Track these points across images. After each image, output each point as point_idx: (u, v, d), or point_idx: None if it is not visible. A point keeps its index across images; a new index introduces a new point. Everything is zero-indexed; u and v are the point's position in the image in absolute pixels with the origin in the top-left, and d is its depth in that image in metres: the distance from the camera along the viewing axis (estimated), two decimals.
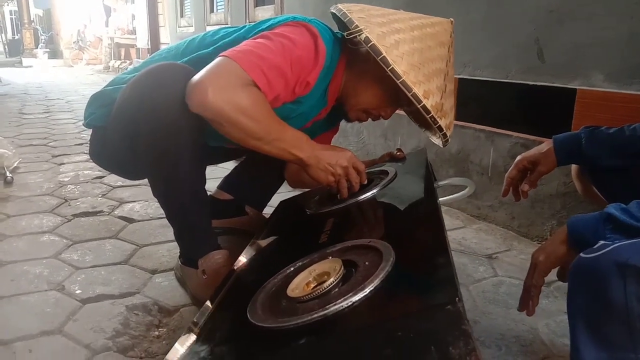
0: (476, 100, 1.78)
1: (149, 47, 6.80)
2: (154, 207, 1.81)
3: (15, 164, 2.26)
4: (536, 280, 0.87)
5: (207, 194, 1.16)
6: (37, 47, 13.18)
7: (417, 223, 0.92)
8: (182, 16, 5.86)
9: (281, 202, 1.40)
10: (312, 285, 0.72)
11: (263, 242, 1.09)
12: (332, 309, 0.62)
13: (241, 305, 0.76)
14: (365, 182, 1.13)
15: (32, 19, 14.32)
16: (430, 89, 1.06)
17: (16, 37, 14.43)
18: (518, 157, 1.13)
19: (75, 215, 1.72)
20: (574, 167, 1.21)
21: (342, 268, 0.70)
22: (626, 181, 1.02)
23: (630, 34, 1.31)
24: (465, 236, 1.62)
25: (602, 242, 0.73)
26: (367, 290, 0.64)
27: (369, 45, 1.01)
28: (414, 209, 1.00)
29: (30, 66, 10.91)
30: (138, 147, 1.08)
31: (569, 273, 0.75)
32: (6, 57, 14.17)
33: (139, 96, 1.05)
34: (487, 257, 1.47)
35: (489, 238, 1.61)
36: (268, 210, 1.61)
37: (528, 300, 0.88)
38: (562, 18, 1.46)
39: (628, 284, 0.66)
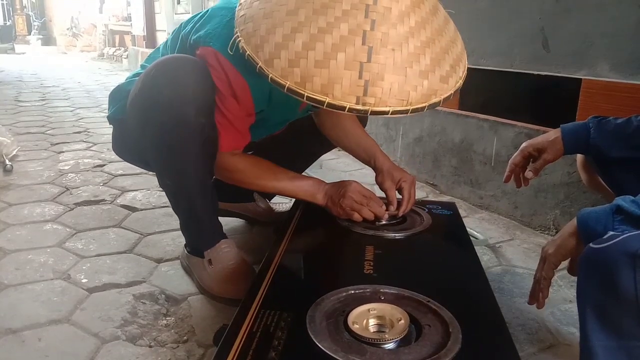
0: (480, 90, 1.78)
1: (145, 34, 6.74)
2: (156, 196, 1.80)
3: (14, 152, 2.24)
4: (546, 272, 0.87)
5: (214, 186, 1.15)
6: (29, 34, 13.02)
7: (465, 284, 0.94)
8: (178, 3, 5.80)
9: None
10: (373, 327, 0.76)
11: (293, 243, 1.08)
12: None
13: (290, 313, 0.78)
14: (383, 208, 1.16)
15: (24, 5, 14.12)
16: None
17: (8, 23, 14.24)
18: (524, 144, 1.13)
19: (77, 204, 1.71)
20: (579, 157, 1.22)
21: (409, 325, 0.75)
22: (633, 172, 1.03)
23: (637, 24, 1.30)
24: (468, 225, 1.62)
25: (611, 232, 0.74)
26: None
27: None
28: (457, 265, 1.03)
29: (23, 53, 10.78)
30: (147, 138, 1.08)
31: (578, 263, 0.76)
32: None
33: (149, 88, 1.04)
34: (490, 246, 1.47)
35: (492, 227, 1.62)
36: (275, 200, 1.62)
37: (538, 293, 0.88)
38: (568, 7, 1.46)
39: (638, 274, 0.67)
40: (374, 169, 1.27)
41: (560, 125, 1.08)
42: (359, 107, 0.76)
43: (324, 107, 0.76)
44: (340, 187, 1.15)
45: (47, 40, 12.80)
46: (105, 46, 9.60)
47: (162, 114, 1.01)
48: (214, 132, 1.06)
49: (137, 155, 1.29)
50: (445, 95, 0.82)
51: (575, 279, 0.90)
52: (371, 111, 0.77)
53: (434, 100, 0.81)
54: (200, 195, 1.12)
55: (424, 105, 0.80)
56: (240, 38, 0.85)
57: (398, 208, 1.18)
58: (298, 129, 1.36)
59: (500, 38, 1.68)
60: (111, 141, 1.34)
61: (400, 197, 1.20)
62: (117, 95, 1.25)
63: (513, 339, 0.75)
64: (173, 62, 1.04)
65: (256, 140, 1.21)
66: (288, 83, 0.77)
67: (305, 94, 0.76)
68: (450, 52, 0.86)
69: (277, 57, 0.78)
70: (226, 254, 1.16)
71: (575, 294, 1.19)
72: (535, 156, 1.11)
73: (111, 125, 1.31)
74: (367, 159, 1.29)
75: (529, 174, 1.11)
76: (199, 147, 1.05)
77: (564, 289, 1.22)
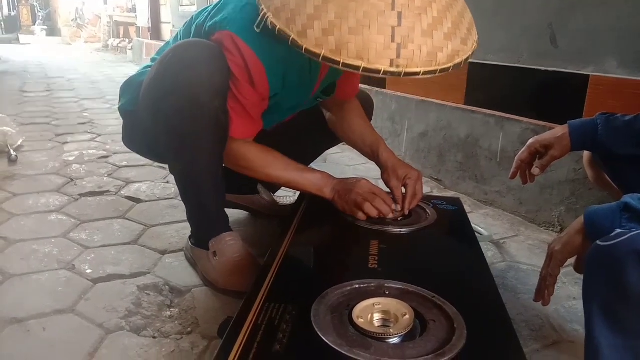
0: (487, 85, 1.77)
1: (149, 25, 6.72)
2: (161, 188, 1.81)
3: (19, 143, 2.25)
4: (552, 270, 0.87)
5: (223, 177, 1.16)
6: (34, 24, 13.03)
7: (470, 280, 0.94)
8: None
9: None
10: (378, 322, 0.76)
11: (298, 237, 1.08)
12: None
13: (294, 306, 0.78)
14: (392, 205, 1.15)
15: None
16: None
17: (13, 14, 14.24)
18: (531, 140, 1.13)
19: (81, 195, 1.72)
20: (585, 154, 1.21)
21: (414, 320, 0.74)
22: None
23: None
24: (472, 221, 1.61)
25: (619, 230, 0.73)
26: (447, 357, 0.67)
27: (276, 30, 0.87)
28: (462, 261, 1.03)
29: (28, 43, 10.78)
30: (160, 123, 1.08)
31: (585, 260, 0.76)
32: (2, 34, 13.98)
33: (163, 74, 1.04)
34: (495, 242, 1.47)
35: (496, 223, 1.61)
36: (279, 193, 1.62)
37: (544, 290, 0.88)
38: (576, 3, 1.44)
39: None
40: (379, 165, 1.27)
41: (568, 122, 1.08)
42: (393, 69, 0.81)
43: (360, 72, 0.81)
44: (349, 183, 1.15)
45: (52, 31, 12.80)
46: (110, 37, 9.58)
47: (177, 96, 1.02)
48: (227, 119, 1.06)
49: (147, 146, 1.30)
50: (466, 56, 0.87)
51: (580, 276, 0.89)
52: (404, 73, 0.81)
53: (457, 60, 0.86)
54: (209, 183, 1.12)
55: (449, 65, 0.85)
56: (268, 14, 0.88)
57: (402, 205, 1.18)
58: (305, 124, 1.36)
59: (507, 33, 1.67)
60: (121, 133, 1.34)
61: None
62: (128, 88, 1.26)
63: (517, 335, 0.75)
64: (189, 47, 1.04)
65: (267, 127, 1.21)
66: (323, 52, 0.81)
67: (342, 61, 0.81)
68: (465, 17, 0.90)
69: (310, 28, 0.82)
70: (231, 247, 1.16)
71: (580, 291, 1.18)
72: (542, 152, 1.10)
73: (121, 118, 1.31)
74: (372, 155, 1.29)
75: (535, 170, 1.11)
76: (211, 132, 1.05)
77: (568, 286, 1.22)
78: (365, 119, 1.36)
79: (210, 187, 1.13)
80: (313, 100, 1.27)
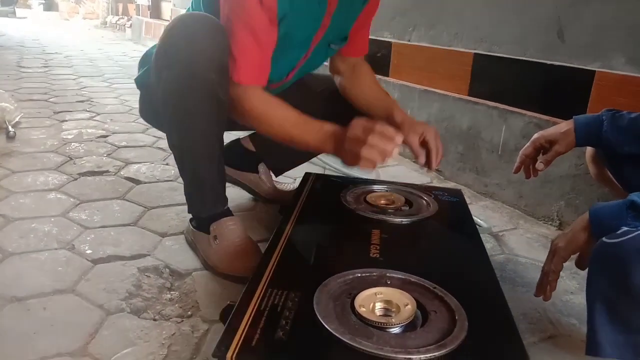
0: (491, 77, 1.76)
1: (149, 4, 6.64)
2: (160, 170, 1.80)
3: (17, 119, 2.23)
4: (555, 265, 0.88)
5: (222, 155, 1.15)
6: None
7: (471, 272, 0.95)
8: None
9: (310, 174, 1.38)
10: (380, 311, 0.76)
11: (299, 223, 1.08)
12: (415, 357, 0.66)
13: (297, 293, 0.79)
14: (395, 137, 0.95)
15: None
16: None
17: None
18: (536, 135, 1.12)
19: (80, 174, 1.71)
20: (588, 149, 1.21)
21: (416, 311, 0.75)
22: None
23: None
24: (472, 213, 1.62)
25: (625, 228, 0.74)
26: (448, 348, 0.68)
27: None
28: (463, 253, 1.04)
29: (25, 17, 10.63)
30: (160, 94, 1.09)
31: (590, 256, 0.76)
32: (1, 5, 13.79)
33: (166, 45, 1.05)
34: (493, 234, 1.48)
35: (496, 216, 1.62)
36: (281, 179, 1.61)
37: (546, 286, 0.89)
38: None
39: None
40: (394, 125, 1.20)
41: (573, 117, 1.08)
42: None
43: None
44: (345, 130, 1.00)
45: (49, 5, 12.60)
46: (109, 14, 9.47)
47: (176, 68, 1.03)
48: (225, 94, 1.06)
49: (160, 118, 1.29)
50: None
51: (577, 270, 0.90)
52: None
53: None
54: (206, 158, 1.13)
55: None
56: None
57: (429, 161, 1.15)
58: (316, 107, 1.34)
59: (514, 26, 1.66)
60: (138, 107, 1.37)
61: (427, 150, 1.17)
62: (145, 59, 1.27)
63: None
64: (192, 20, 1.04)
65: (278, 80, 1.20)
66: None
67: None
68: None
69: None
70: (232, 231, 1.16)
71: (577, 286, 1.20)
72: (547, 147, 1.11)
73: (138, 90, 1.32)
74: (387, 118, 1.24)
75: (539, 165, 1.11)
76: (207, 104, 1.05)
77: (565, 280, 1.23)
78: (377, 82, 1.35)
79: (206, 161, 1.13)
80: (326, 48, 1.23)
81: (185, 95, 1.05)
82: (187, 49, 1.01)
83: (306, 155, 1.46)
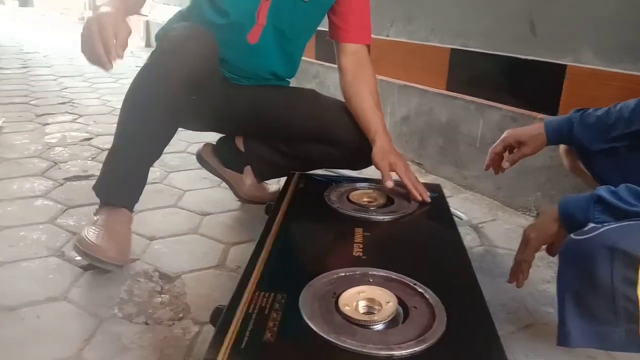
0: (467, 71, 1.80)
1: None
2: None
3: None
4: (527, 255, 0.92)
5: (155, 149, 1.22)
6: None
7: (449, 267, 0.98)
8: None
9: (293, 173, 1.39)
10: (363, 309, 0.79)
11: (284, 224, 1.10)
12: (397, 353, 0.69)
13: (283, 296, 0.82)
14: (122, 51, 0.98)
15: None
16: None
17: None
18: (506, 134, 1.17)
19: (66, 179, 1.72)
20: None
21: (397, 307, 0.78)
22: (613, 162, 1.07)
23: (620, 10, 1.33)
24: (452, 206, 1.66)
25: (592, 224, 0.79)
26: (428, 343, 0.71)
27: None
28: (441, 248, 1.07)
29: None
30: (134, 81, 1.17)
31: (560, 252, 0.81)
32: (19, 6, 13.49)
33: (158, 49, 1.16)
34: (473, 226, 1.53)
35: (475, 207, 1.67)
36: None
37: (519, 274, 0.94)
38: None
39: (615, 267, 0.72)
40: (372, 143, 1.28)
41: (544, 121, 1.12)
42: None
43: None
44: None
45: (25, 1, 12.38)
46: (85, 9, 9.33)
47: (154, 72, 1.13)
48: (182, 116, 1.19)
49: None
50: None
51: (553, 259, 0.95)
52: None
53: None
54: (130, 144, 1.19)
55: None
56: None
57: (413, 195, 1.21)
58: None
59: (488, 20, 1.70)
60: None
61: (400, 179, 1.23)
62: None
63: (493, 318, 0.79)
64: (186, 35, 1.14)
65: (246, 21, 1.25)
66: None
67: None
68: None
69: None
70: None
71: (553, 275, 1.26)
72: (515, 147, 1.15)
73: None
74: (368, 130, 1.29)
75: (505, 164, 1.16)
76: (166, 114, 1.15)
77: (542, 269, 1.28)
78: (375, 94, 1.35)
79: (128, 146, 1.19)
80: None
81: (150, 98, 1.12)
82: (171, 62, 1.09)
83: (291, 169, 1.46)
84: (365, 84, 1.33)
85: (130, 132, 1.17)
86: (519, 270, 0.95)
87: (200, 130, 1.54)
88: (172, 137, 1.23)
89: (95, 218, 1.18)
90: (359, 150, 1.33)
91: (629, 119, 1.00)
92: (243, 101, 1.36)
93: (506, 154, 1.20)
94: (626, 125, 1.00)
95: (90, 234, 1.11)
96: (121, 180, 1.20)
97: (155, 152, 1.22)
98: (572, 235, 0.78)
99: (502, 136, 1.16)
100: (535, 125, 1.12)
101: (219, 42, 1.20)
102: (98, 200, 1.53)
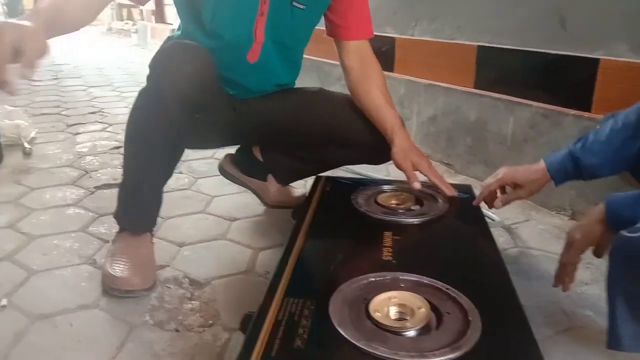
0: (496, 69, 1.76)
1: (154, 8, 6.68)
2: (174, 178, 1.81)
3: (32, 135, 2.27)
4: (572, 257, 0.89)
5: (164, 172, 1.21)
6: None
7: (483, 271, 0.95)
8: None
9: (320, 177, 1.38)
10: (395, 315, 0.77)
11: (312, 229, 1.09)
12: None
13: (312, 302, 0.80)
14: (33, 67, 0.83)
15: None
16: None
17: None
18: (502, 173, 1.12)
19: (97, 187, 1.75)
20: None
21: (430, 313, 0.76)
22: None
23: None
24: (483, 207, 1.64)
25: None
26: (463, 350, 0.68)
27: None
28: (474, 251, 1.04)
29: None
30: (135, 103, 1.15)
31: (610, 250, 0.77)
32: (5, 17, 13.89)
33: (152, 68, 1.11)
34: (506, 227, 1.49)
35: (507, 208, 1.60)
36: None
37: (564, 277, 0.90)
38: None
39: None
40: (391, 143, 1.24)
41: (546, 161, 1.06)
42: None
43: None
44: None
45: (14, 12, 12.64)
46: (113, 19, 9.53)
47: (152, 90, 1.10)
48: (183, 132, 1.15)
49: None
50: None
51: (591, 261, 0.91)
52: None
53: None
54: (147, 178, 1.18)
55: None
56: None
57: (442, 192, 1.20)
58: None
59: (517, 17, 1.66)
60: None
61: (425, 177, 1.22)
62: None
63: (530, 321, 0.76)
64: (181, 53, 1.10)
65: (242, 41, 1.21)
66: None
67: None
68: None
69: None
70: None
71: (591, 276, 1.21)
72: (511, 187, 1.11)
73: None
74: (385, 129, 1.25)
75: (498, 204, 1.13)
76: (165, 133, 1.11)
77: (579, 271, 1.21)
78: (385, 91, 1.32)
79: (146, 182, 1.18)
80: (288, 3, 1.20)
81: (149, 117, 1.11)
82: (168, 81, 1.07)
83: (312, 171, 1.46)
84: (373, 82, 1.29)
85: (138, 162, 1.16)
86: (564, 273, 0.92)
87: (215, 148, 1.55)
88: (180, 157, 1.22)
89: (116, 246, 1.20)
90: (377, 148, 1.29)
91: None
92: (251, 115, 1.33)
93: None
94: None
95: (115, 269, 1.13)
96: (138, 209, 1.21)
97: (165, 174, 1.21)
98: (624, 233, 0.74)
99: (499, 175, 1.11)
100: (533, 167, 1.06)
101: (218, 64, 1.16)
102: None
